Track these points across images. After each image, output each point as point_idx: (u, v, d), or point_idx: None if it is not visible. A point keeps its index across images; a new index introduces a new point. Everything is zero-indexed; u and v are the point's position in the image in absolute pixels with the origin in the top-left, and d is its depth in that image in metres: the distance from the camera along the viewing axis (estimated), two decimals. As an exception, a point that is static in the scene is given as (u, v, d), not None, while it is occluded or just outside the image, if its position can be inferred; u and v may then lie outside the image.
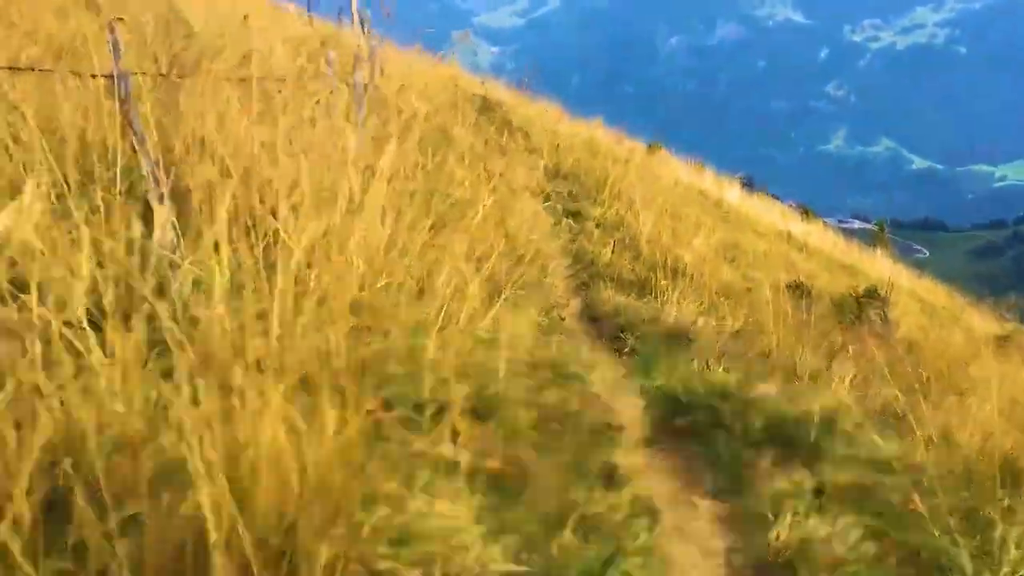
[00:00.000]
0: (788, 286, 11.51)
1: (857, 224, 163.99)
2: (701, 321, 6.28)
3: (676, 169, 20.61)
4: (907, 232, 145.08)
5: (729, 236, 14.06)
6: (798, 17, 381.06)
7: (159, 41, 9.65)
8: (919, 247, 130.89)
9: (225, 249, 2.96)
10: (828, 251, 18.68)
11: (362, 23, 17.57)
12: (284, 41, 13.50)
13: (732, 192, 21.28)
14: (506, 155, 13.34)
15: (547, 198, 10.83)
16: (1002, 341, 16.01)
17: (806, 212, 31.95)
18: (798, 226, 21.16)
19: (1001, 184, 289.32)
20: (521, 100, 22.23)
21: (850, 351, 7.44)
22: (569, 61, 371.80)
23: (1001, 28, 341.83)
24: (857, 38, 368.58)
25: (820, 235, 21.94)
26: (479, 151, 11.61)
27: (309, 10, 23.19)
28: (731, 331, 6.43)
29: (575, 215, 10.40)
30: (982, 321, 20.56)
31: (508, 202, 8.90)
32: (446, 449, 3.02)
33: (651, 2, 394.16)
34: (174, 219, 3.31)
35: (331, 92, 6.75)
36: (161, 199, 3.26)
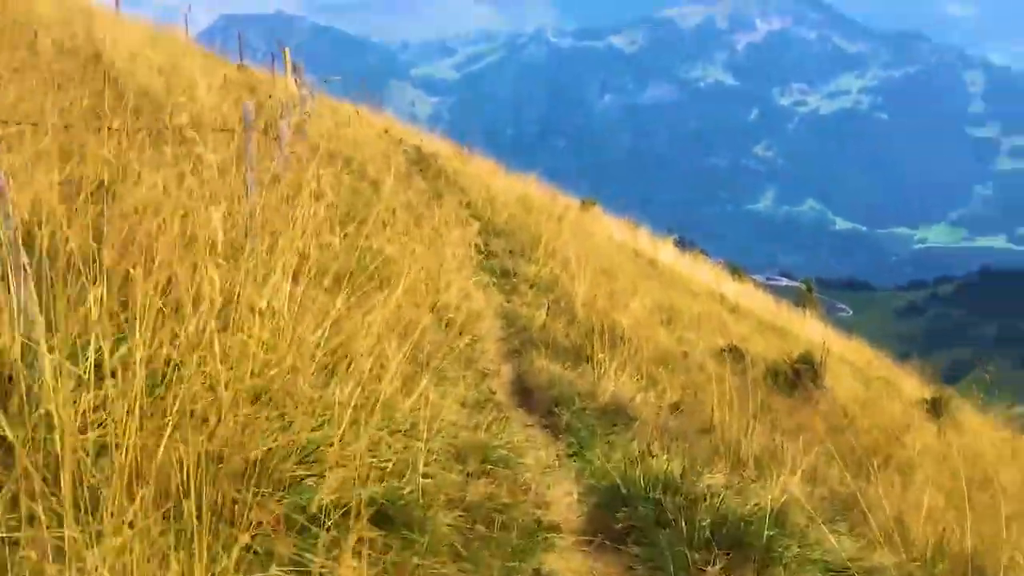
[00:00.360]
0: (724, 350, 11.31)
1: (784, 282, 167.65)
2: (639, 397, 5.90)
3: (610, 226, 20.54)
4: (832, 291, 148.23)
5: (665, 297, 13.89)
6: (729, 80, 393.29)
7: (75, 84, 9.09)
8: (843, 306, 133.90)
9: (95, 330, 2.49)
10: (759, 312, 18.70)
11: (295, 70, 17.15)
12: (210, 88, 13.00)
13: (666, 251, 21.28)
14: (440, 209, 12.98)
15: (481, 256, 10.46)
16: (931, 406, 16.11)
17: (736, 271, 32.30)
18: (729, 285, 21.22)
19: (921, 246, 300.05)
20: (456, 152, 22.08)
21: (792, 425, 7.18)
22: (504, 114, 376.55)
23: (920, 97, 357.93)
24: (785, 102, 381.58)
25: (751, 295, 22.04)
26: (410, 203, 11.22)
27: (241, 58, 22.73)
28: (670, 404, 6.08)
29: (509, 274, 10.05)
30: (910, 383, 20.79)
31: (439, 260, 8.50)
32: (346, 571, 2.54)
33: (585, 61, 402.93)
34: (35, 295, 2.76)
35: (236, 141, 6.31)
36: (22, 269, 2.72)
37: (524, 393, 6.16)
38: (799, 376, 9.85)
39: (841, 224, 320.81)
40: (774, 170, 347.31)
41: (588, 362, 6.68)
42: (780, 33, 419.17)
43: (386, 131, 19.99)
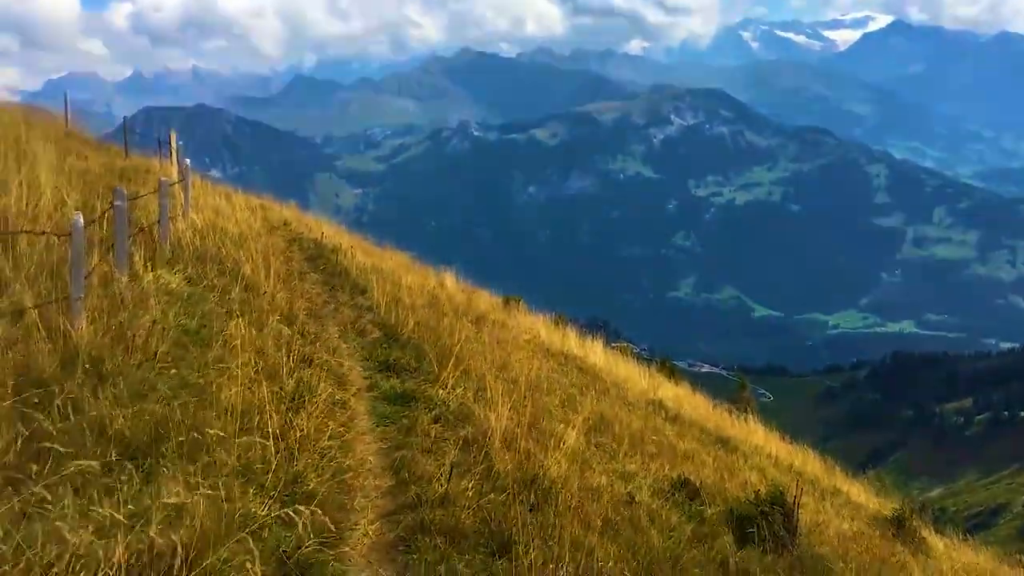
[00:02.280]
0: (674, 487, 9.40)
1: (706, 368, 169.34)
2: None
3: (535, 326, 18.67)
4: (752, 377, 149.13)
5: (599, 410, 11.96)
6: (647, 172, 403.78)
7: None
8: (763, 391, 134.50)
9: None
10: (700, 420, 16.93)
11: (172, 151, 15.09)
12: (57, 172, 10.83)
13: (596, 351, 19.48)
14: (331, 316, 10.90)
15: (371, 382, 8.40)
16: (897, 528, 14.44)
17: (668, 368, 30.80)
18: (665, 388, 19.48)
19: (834, 331, 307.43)
20: (366, 247, 20.15)
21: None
22: (428, 205, 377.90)
23: (828, 189, 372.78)
24: (701, 193, 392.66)
25: (688, 399, 20.31)
26: (288, 312, 9.12)
27: (126, 145, 20.54)
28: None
29: (409, 401, 8.00)
30: (860, 494, 19.20)
31: (309, 393, 6.43)
32: None
33: (509, 154, 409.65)
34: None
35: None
36: None
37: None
38: (770, 524, 8.00)
39: (759, 311, 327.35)
40: (693, 259, 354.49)
41: (508, 554, 4.65)
42: (694, 128, 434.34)
43: (285, 223, 18.00)
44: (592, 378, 15.07)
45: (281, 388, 6.19)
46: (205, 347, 6.43)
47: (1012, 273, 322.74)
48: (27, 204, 7.75)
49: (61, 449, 3.79)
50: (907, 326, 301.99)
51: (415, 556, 4.57)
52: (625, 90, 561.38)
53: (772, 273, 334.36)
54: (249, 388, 5.59)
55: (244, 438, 4.81)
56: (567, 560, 4.67)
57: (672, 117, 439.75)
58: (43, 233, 6.05)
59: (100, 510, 3.44)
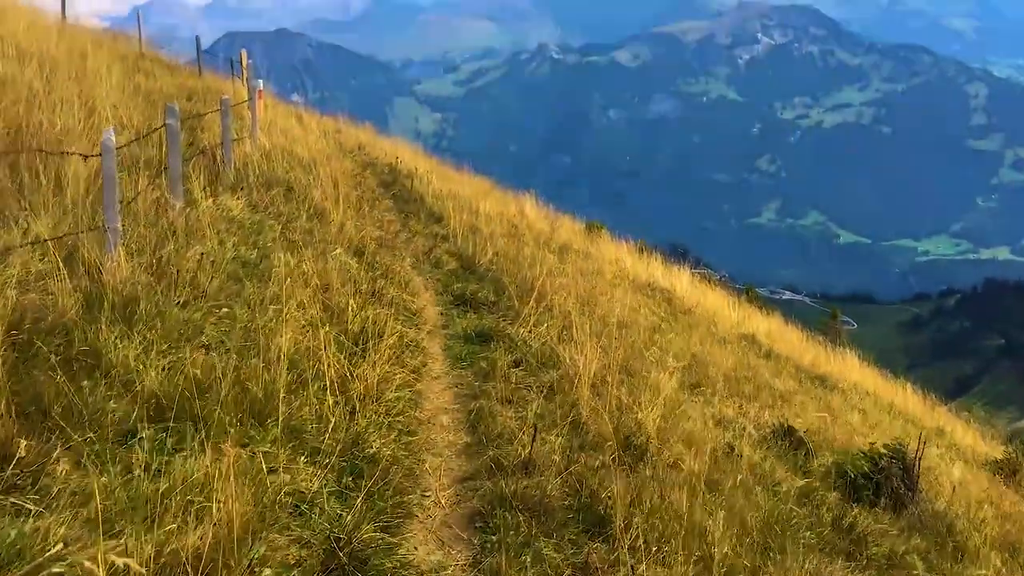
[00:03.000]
0: (777, 434, 8.58)
1: (788, 295, 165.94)
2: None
3: (619, 255, 17.75)
4: (836, 304, 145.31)
5: (691, 347, 11.12)
6: (731, 94, 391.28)
7: None
8: (848, 319, 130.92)
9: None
10: (795, 356, 15.92)
11: (244, 72, 14.48)
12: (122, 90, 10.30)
13: (682, 280, 18.49)
14: (404, 245, 10.23)
15: (452, 308, 7.74)
16: (1010, 475, 13.40)
17: (754, 297, 29.63)
18: (757, 321, 18.45)
19: (924, 258, 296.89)
20: (443, 172, 19.40)
21: None
22: (508, 130, 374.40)
23: (922, 110, 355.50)
24: (787, 115, 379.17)
25: (780, 330, 19.25)
26: (358, 242, 8.47)
27: (200, 65, 20.10)
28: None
29: (487, 340, 7.30)
30: (964, 433, 18.04)
31: (376, 336, 5.76)
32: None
33: (589, 77, 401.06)
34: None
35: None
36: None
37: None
38: (888, 480, 7.15)
39: (845, 237, 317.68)
40: (777, 184, 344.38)
41: (604, 532, 3.95)
42: (782, 48, 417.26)
43: (360, 147, 17.31)
44: (681, 311, 14.20)
45: (345, 330, 5.54)
46: (264, 282, 5.79)
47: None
48: (79, 122, 7.17)
49: (59, 421, 3.17)
50: (1002, 253, 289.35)
51: (494, 538, 3.90)
52: (710, 8, 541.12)
53: (860, 198, 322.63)
54: (308, 331, 4.94)
55: (296, 394, 4.16)
56: (679, 546, 3.94)
57: (759, 36, 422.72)
58: (71, 153, 5.41)
59: (91, 506, 2.76)
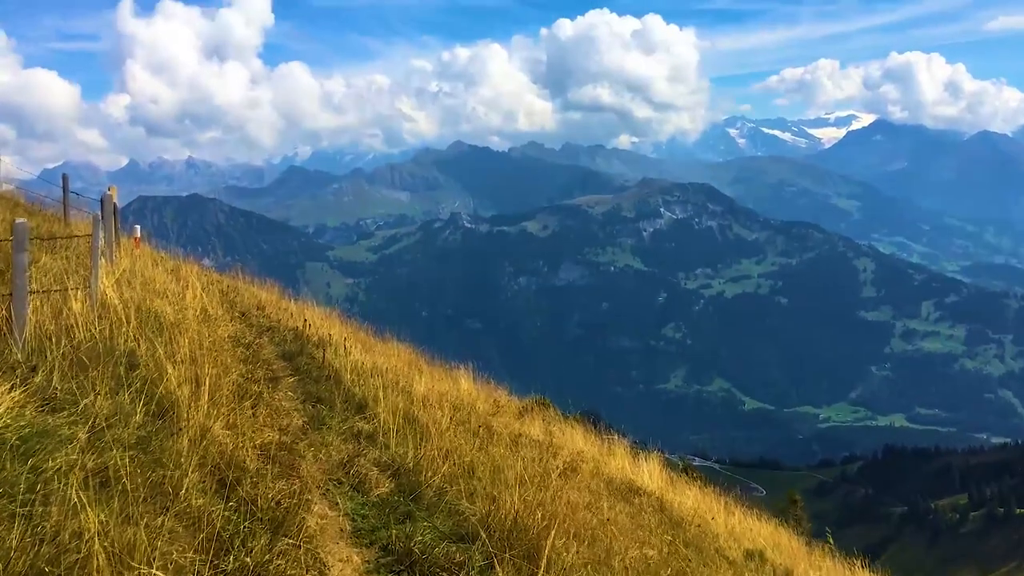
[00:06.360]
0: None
1: (698, 461, 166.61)
2: None
3: (575, 439, 16.71)
4: (744, 470, 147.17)
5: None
6: (637, 264, 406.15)
7: None
8: (756, 486, 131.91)
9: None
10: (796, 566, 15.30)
11: (105, 209, 13.97)
12: None
13: (653, 472, 16.89)
14: (310, 453, 7.37)
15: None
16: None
17: (688, 469, 29.89)
18: (734, 512, 17.64)
19: (825, 425, 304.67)
20: (362, 339, 18.32)
21: None
22: (419, 295, 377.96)
23: (816, 282, 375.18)
24: (691, 285, 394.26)
25: (756, 524, 18.40)
26: (230, 458, 5.79)
27: (65, 208, 19.40)
28: None
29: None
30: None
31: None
32: None
33: (500, 245, 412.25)
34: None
35: None
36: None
37: None
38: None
39: (749, 403, 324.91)
40: (683, 351, 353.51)
41: None
42: (683, 221, 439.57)
43: (259, 307, 16.19)
44: (674, 524, 12.08)
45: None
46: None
47: (1000, 367, 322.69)
48: None
49: None
50: (897, 420, 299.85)
51: None
52: (615, 184, 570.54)
53: (762, 366, 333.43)
54: None
55: None
56: None
57: (661, 210, 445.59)
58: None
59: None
